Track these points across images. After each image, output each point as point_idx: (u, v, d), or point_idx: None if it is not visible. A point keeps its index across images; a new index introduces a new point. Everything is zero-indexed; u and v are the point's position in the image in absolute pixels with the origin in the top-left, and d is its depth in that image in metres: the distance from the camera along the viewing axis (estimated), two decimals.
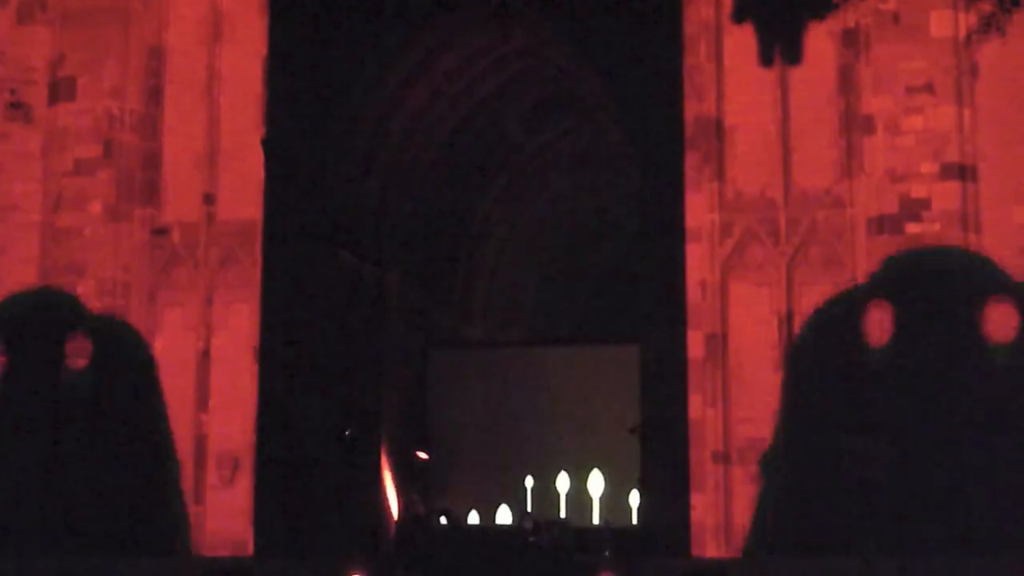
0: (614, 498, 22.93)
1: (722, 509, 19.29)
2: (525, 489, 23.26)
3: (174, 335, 21.22)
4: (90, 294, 21.18)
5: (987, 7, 17.29)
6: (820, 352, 19.19)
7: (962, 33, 19.06)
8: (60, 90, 21.64)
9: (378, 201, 23.91)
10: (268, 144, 21.26)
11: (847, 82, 19.60)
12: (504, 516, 23.36)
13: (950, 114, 19.21)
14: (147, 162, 21.57)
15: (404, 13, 21.48)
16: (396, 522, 22.28)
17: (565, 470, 23.24)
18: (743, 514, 19.23)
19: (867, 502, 18.48)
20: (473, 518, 23.90)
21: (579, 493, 23.15)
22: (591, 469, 23.09)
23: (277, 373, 20.86)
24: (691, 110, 20.05)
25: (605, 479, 23.02)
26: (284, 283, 21.07)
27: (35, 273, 21.47)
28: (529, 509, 22.78)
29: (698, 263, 19.83)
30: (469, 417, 24.22)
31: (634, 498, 22.16)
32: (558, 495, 23.29)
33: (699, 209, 19.88)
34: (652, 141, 20.29)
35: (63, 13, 21.84)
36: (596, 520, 22.83)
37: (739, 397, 19.51)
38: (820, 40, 19.69)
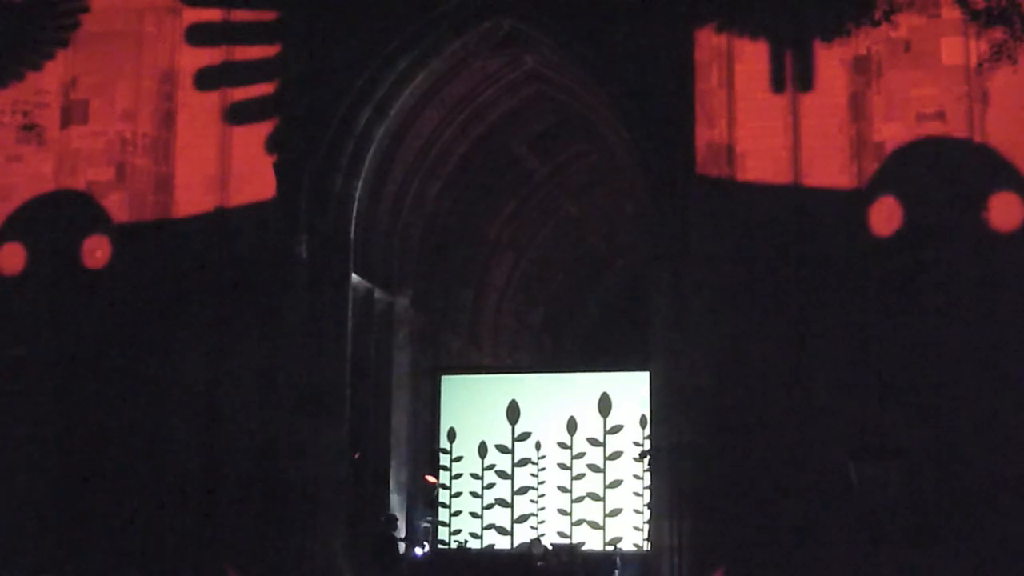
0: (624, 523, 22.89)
1: None
2: (535, 514, 23.21)
3: None
4: None
5: (998, 35, 17.40)
6: None
7: (973, 61, 19.12)
8: (73, 113, 21.72)
9: (389, 225, 23.97)
10: (279, 168, 21.31)
11: (858, 109, 19.69)
12: (515, 540, 23.30)
13: None
14: (159, 185, 21.63)
15: (414, 39, 21.54)
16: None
17: (576, 496, 23.19)
18: None
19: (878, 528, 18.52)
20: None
21: (588, 518, 23.11)
22: (600, 495, 23.06)
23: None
24: (702, 136, 20.09)
25: (616, 505, 23.00)
26: (295, 306, 21.14)
27: None
28: (538, 534, 22.72)
29: None
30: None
31: (643, 523, 22.12)
32: (566, 519, 23.22)
33: None
34: (662, 167, 20.33)
35: (76, 36, 21.95)
36: (605, 544, 22.78)
37: None
38: (831, 67, 19.76)
